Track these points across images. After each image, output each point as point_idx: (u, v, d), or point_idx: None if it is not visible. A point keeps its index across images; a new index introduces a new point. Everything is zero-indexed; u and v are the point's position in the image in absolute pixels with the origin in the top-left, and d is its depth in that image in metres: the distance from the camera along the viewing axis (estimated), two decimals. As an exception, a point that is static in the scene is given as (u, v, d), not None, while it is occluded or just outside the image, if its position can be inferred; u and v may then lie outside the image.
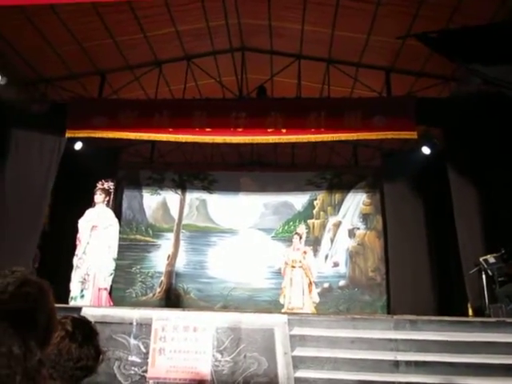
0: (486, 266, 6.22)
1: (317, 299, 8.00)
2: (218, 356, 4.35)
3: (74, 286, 6.14)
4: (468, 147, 7.07)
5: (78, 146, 8.79)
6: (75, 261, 6.32)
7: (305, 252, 8.12)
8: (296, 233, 8.42)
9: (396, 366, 4.26)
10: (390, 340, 4.39)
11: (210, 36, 8.05)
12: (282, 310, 7.66)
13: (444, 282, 8.83)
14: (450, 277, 8.62)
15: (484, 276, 6.23)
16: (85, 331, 1.63)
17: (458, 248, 7.05)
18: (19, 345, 0.82)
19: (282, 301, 7.97)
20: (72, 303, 5.97)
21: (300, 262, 7.93)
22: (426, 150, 8.79)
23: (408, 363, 4.26)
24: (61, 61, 7.67)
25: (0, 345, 0.80)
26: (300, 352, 4.35)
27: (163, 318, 4.54)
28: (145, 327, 4.49)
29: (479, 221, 6.93)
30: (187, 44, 8.12)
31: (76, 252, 6.38)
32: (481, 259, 6.31)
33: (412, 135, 7.23)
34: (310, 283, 7.89)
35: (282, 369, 4.25)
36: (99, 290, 6.22)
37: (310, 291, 7.85)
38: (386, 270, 10.10)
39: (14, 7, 5.82)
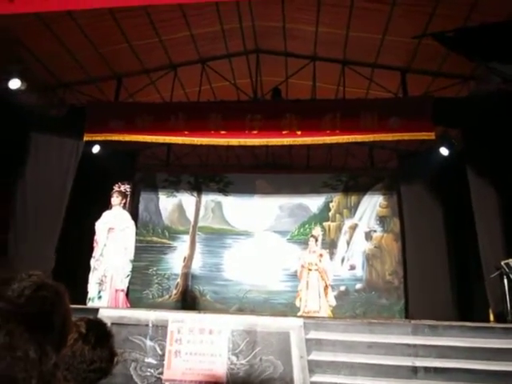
0: (507, 269, 6.08)
1: (333, 302, 7.93)
2: (234, 359, 4.34)
3: (92, 288, 6.20)
4: (488, 147, 6.94)
5: (96, 149, 8.89)
6: (92, 262, 6.39)
7: (321, 255, 8.06)
8: (312, 235, 8.38)
9: (414, 371, 4.20)
10: (408, 345, 4.34)
11: (225, 39, 8.07)
12: (298, 314, 7.63)
13: (464, 286, 8.69)
14: (470, 281, 8.49)
15: (506, 280, 6.09)
16: (98, 333, 1.63)
17: (478, 251, 6.92)
18: (35, 349, 0.83)
19: (297, 304, 7.93)
20: (90, 304, 6.03)
21: (316, 264, 7.88)
22: (444, 151, 8.65)
23: (427, 369, 4.19)
24: (78, 65, 7.76)
25: (16, 349, 0.80)
26: (316, 356, 4.31)
27: (179, 320, 4.55)
28: (161, 329, 4.51)
29: (500, 223, 6.79)
30: (202, 47, 8.15)
31: (93, 254, 6.45)
32: (502, 263, 6.16)
33: (429, 136, 7.14)
34: (326, 286, 7.84)
35: (298, 373, 4.22)
36: (116, 291, 6.28)
37: (326, 294, 7.80)
38: (403, 273, 10.00)
39: (33, 14, 5.91)
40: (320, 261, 7.95)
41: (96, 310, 4.68)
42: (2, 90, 7.00)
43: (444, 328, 4.46)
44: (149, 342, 4.44)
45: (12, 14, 5.16)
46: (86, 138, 7.74)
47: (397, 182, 10.32)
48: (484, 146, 6.98)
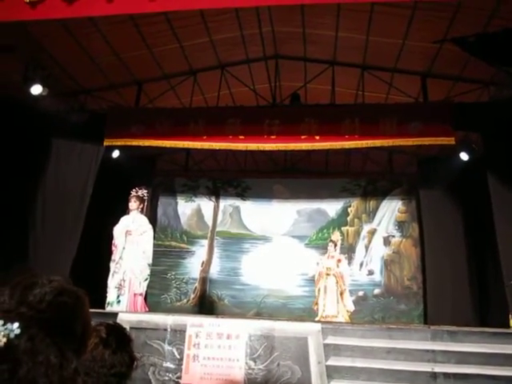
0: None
1: (351, 307, 7.89)
2: (252, 364, 4.35)
3: (111, 292, 6.26)
4: (509, 153, 6.86)
5: (116, 154, 8.98)
6: (112, 266, 6.44)
7: (339, 260, 8.06)
8: (331, 240, 8.39)
9: (434, 377, 4.15)
10: (427, 351, 4.29)
11: (244, 44, 8.12)
12: (316, 318, 7.62)
13: (483, 291, 8.60)
14: (489, 286, 8.38)
15: (526, 285, 6.03)
16: (118, 338, 1.65)
17: (497, 256, 6.85)
18: (56, 354, 0.84)
19: (316, 308, 7.92)
20: (108, 309, 6.08)
21: (333, 269, 7.87)
22: (464, 156, 8.56)
23: (446, 375, 4.14)
24: (100, 72, 7.88)
25: (38, 354, 0.82)
26: (334, 361, 4.29)
27: (197, 325, 4.57)
28: (179, 333, 4.53)
29: (521, 228, 6.71)
30: (221, 53, 8.21)
31: (112, 257, 6.50)
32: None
33: (449, 141, 7.06)
34: (342, 291, 7.81)
35: (316, 378, 4.20)
36: (135, 295, 6.32)
37: (343, 299, 7.77)
38: (422, 278, 9.91)
39: (55, 21, 6.02)
40: (337, 266, 7.94)
41: (115, 315, 4.73)
42: (24, 96, 7.14)
43: (463, 334, 4.41)
44: (167, 347, 4.46)
45: (35, 21, 5.30)
46: (106, 144, 7.82)
47: (416, 186, 10.25)
48: (505, 152, 6.89)
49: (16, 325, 0.83)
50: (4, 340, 0.81)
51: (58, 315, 0.88)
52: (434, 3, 5.92)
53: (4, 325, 0.83)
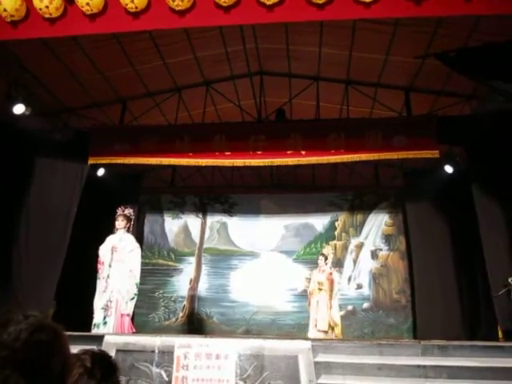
0: (515, 286, 6.04)
1: (338, 321, 7.80)
2: (242, 384, 4.27)
3: (97, 314, 6.13)
4: (492, 165, 6.95)
5: (101, 172, 8.91)
6: (99, 284, 6.30)
7: (330, 274, 8.04)
8: (321, 253, 8.39)
9: (425, 393, 4.12)
10: (418, 366, 4.26)
11: (229, 61, 8.14)
12: (308, 333, 7.57)
13: (472, 304, 8.61)
14: (478, 298, 8.40)
15: (514, 297, 6.06)
16: (104, 367, 1.59)
17: (485, 268, 6.88)
18: None
19: (307, 323, 7.87)
20: (95, 330, 5.96)
21: (324, 283, 7.85)
22: (448, 169, 8.65)
23: (438, 391, 4.11)
24: (83, 90, 7.83)
25: None
26: (325, 380, 4.23)
27: (185, 346, 4.48)
28: (167, 355, 4.43)
29: (506, 240, 6.77)
30: (206, 69, 8.22)
31: (99, 275, 6.35)
32: (510, 279, 6.14)
33: (434, 154, 7.12)
34: (330, 300, 7.77)
35: (308, 398, 4.14)
36: (122, 315, 6.20)
37: (330, 311, 7.72)
38: (411, 291, 9.92)
39: (37, 40, 5.97)
40: (327, 279, 7.91)
41: (101, 337, 4.62)
42: (7, 116, 7.05)
43: (454, 348, 4.39)
44: (155, 369, 4.36)
45: (17, 40, 5.25)
46: (90, 162, 7.76)
47: (402, 200, 10.30)
48: (488, 164, 6.98)
49: None
50: None
51: (34, 353, 0.84)
52: (415, 20, 6.00)
53: None
